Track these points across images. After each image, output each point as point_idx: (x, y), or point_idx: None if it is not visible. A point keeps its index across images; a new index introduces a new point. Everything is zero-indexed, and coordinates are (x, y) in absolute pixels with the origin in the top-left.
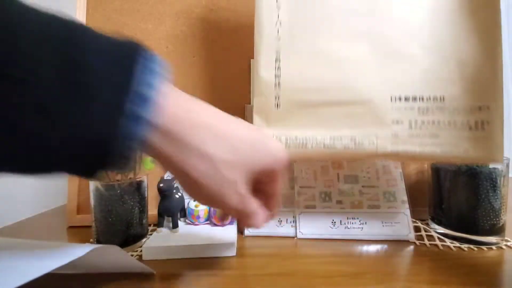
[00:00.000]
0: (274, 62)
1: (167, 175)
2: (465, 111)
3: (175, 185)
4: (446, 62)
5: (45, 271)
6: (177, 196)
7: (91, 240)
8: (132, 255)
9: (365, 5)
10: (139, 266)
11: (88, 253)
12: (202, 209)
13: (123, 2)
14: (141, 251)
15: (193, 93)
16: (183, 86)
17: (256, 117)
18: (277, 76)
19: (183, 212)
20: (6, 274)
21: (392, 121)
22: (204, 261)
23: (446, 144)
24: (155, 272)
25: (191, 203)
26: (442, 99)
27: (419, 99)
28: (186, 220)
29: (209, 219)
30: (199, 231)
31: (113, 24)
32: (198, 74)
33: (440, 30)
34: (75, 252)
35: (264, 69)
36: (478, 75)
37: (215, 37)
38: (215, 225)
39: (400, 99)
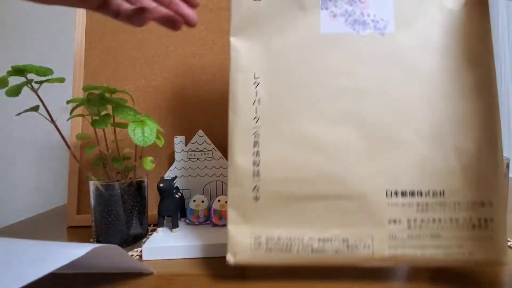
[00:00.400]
0: (252, 147)
1: (167, 175)
2: (467, 207)
3: (175, 185)
4: (444, 151)
5: (45, 272)
6: (177, 196)
7: (91, 240)
8: (132, 255)
9: (354, 85)
10: (139, 266)
11: (88, 253)
12: (202, 209)
13: None
14: (141, 251)
15: (193, 93)
16: (183, 86)
17: (231, 212)
18: (255, 164)
19: (183, 212)
20: (7, 275)
21: (389, 220)
22: (204, 261)
23: (448, 246)
24: (155, 272)
25: (191, 203)
26: (442, 193)
27: (418, 194)
28: (186, 220)
29: (209, 219)
30: (199, 231)
31: (113, 24)
32: (198, 74)
33: (437, 115)
34: (75, 252)
35: (240, 154)
36: (478, 166)
37: (215, 37)
38: (215, 225)
39: (396, 194)
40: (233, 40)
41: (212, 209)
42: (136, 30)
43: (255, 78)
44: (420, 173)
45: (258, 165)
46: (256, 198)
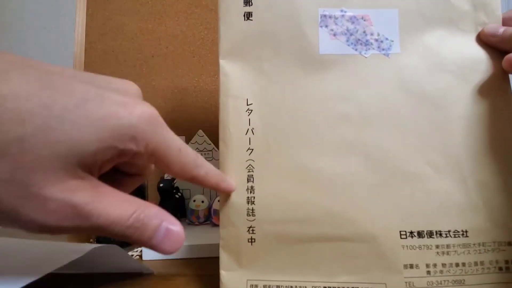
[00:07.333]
0: (245, 182)
1: (167, 175)
2: (493, 248)
3: (175, 185)
4: (464, 184)
5: (45, 272)
6: (177, 196)
7: (91, 240)
8: (132, 255)
9: (357, 111)
10: (139, 266)
11: (88, 253)
12: (202, 209)
13: (123, 2)
14: (141, 251)
15: (193, 93)
16: (183, 86)
17: (223, 255)
18: (250, 201)
19: (183, 212)
20: (6, 275)
21: (405, 265)
22: (204, 261)
23: None
24: (155, 272)
25: (191, 203)
26: (465, 233)
27: (437, 234)
28: (186, 220)
29: (209, 219)
30: (199, 231)
31: (113, 24)
32: (198, 74)
33: (453, 143)
34: (75, 252)
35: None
36: (503, 202)
37: (215, 37)
38: (215, 225)
39: (412, 234)
40: (222, 63)
41: (212, 209)
42: (136, 30)
43: (247, 105)
44: (439, 211)
45: (253, 203)
46: (252, 240)
